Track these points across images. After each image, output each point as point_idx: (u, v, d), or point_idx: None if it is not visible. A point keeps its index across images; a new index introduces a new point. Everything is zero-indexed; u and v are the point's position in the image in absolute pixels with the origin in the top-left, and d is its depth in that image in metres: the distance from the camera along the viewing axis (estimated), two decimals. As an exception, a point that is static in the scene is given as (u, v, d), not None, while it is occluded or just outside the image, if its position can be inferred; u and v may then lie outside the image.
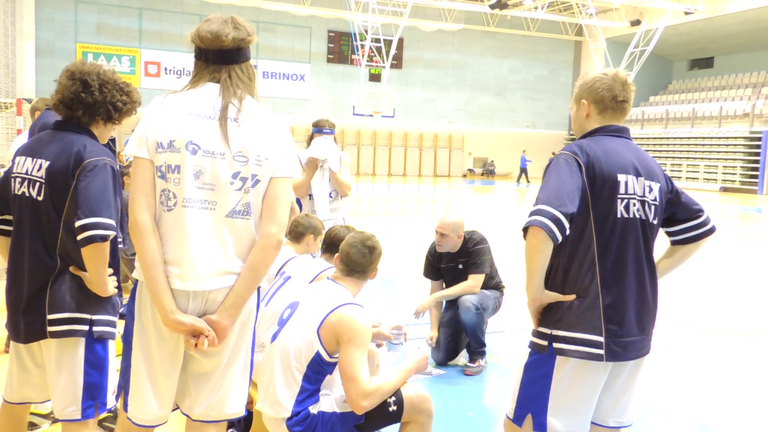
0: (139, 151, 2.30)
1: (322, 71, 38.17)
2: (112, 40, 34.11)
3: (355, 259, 3.16)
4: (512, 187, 33.19)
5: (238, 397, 2.44)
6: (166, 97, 2.38)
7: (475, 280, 4.98)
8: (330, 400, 2.99)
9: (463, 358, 5.20)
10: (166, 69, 34.77)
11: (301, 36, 37.44)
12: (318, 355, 2.94)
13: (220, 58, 2.36)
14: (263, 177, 2.32)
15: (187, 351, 2.37)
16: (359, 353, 2.89)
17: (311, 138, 6.12)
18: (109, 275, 2.68)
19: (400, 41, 37.17)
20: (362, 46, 34.50)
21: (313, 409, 2.94)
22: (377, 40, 34.05)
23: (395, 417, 3.00)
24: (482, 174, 41.68)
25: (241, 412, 2.47)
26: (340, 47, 38.29)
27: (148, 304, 2.35)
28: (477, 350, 4.99)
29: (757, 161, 31.00)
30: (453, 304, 5.16)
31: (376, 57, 35.32)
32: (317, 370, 2.96)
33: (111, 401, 2.78)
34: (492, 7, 32.86)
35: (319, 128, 6.05)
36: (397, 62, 38.23)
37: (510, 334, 6.01)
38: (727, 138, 32.64)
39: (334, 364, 2.99)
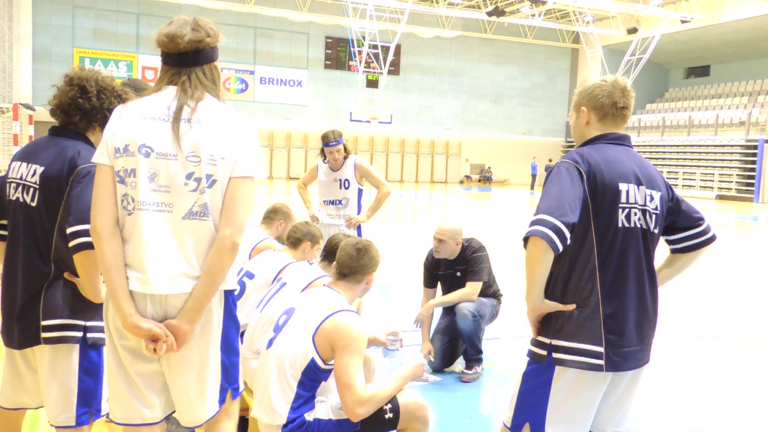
0: (100, 157, 2.32)
1: (319, 77, 38.22)
2: (110, 45, 34.13)
3: (343, 261, 3.16)
4: (509, 193, 33.22)
5: (211, 400, 2.40)
6: (127, 104, 2.39)
7: (472, 288, 4.97)
8: (326, 407, 2.98)
9: (459, 365, 5.18)
10: (163, 74, 34.78)
11: (299, 42, 37.50)
12: (313, 362, 2.92)
13: (177, 60, 2.35)
14: (220, 177, 2.29)
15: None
16: (354, 360, 2.88)
17: (322, 152, 6.33)
18: (103, 281, 2.67)
19: (398, 48, 37.29)
20: (360, 53, 34.60)
21: (309, 416, 2.93)
22: (375, 47, 34.14)
23: (391, 424, 2.98)
24: (479, 180, 41.73)
25: (217, 409, 2.42)
26: (338, 53, 38.35)
27: (111, 306, 2.35)
28: (473, 357, 4.97)
29: (753, 169, 31.08)
30: (450, 311, 5.15)
31: (374, 63, 35.41)
32: (312, 377, 2.95)
33: (105, 407, 2.76)
34: (489, 14, 32.98)
35: (326, 142, 6.22)
36: (395, 68, 38.28)
37: (506, 341, 6.00)
38: (723, 146, 32.74)
39: (329, 371, 2.97)
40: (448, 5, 35.73)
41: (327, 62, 38.35)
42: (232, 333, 2.44)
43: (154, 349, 2.27)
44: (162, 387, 2.41)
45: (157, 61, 33.95)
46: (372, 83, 37.47)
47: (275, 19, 35.45)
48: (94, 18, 33.84)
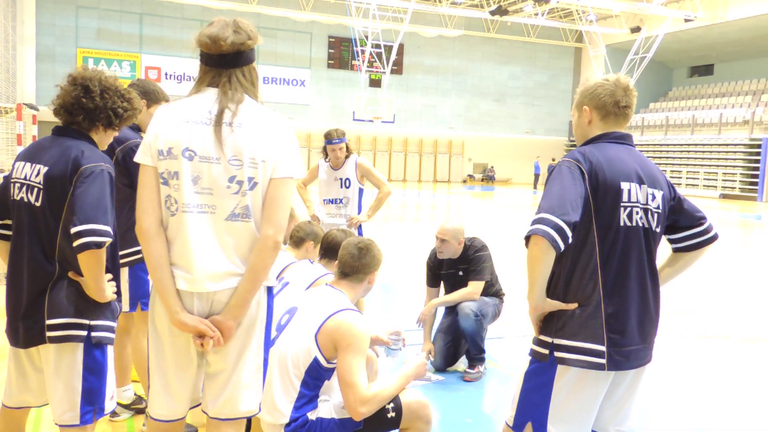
0: (144, 158, 2.37)
1: (322, 77, 38.23)
2: (113, 45, 34.16)
3: (346, 260, 3.17)
4: (512, 193, 33.20)
5: (251, 395, 2.47)
6: (169, 105, 2.44)
7: (474, 287, 4.98)
8: (329, 406, 2.99)
9: (462, 364, 5.19)
10: (166, 74, 34.81)
11: (302, 41, 37.51)
12: (316, 361, 2.93)
13: (219, 62, 2.39)
14: (261, 179, 2.34)
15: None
16: (357, 359, 2.89)
17: (324, 150, 6.35)
18: (109, 281, 2.69)
19: (401, 47, 37.26)
20: (362, 52, 34.57)
21: (312, 416, 2.94)
22: (377, 46, 34.11)
23: (394, 423, 2.99)
24: (482, 180, 41.71)
25: (255, 410, 2.49)
26: (341, 53, 38.35)
27: (159, 304, 2.42)
28: (476, 356, 4.98)
29: (756, 168, 31.02)
30: (452, 310, 5.15)
31: (377, 62, 35.38)
32: (315, 376, 2.95)
33: (109, 406, 2.78)
34: (492, 13, 32.94)
35: (329, 140, 6.24)
36: (398, 68, 38.28)
37: (509, 340, 6.00)
38: (727, 145, 32.68)
39: (332, 370, 2.98)
40: (451, 4, 35.71)
41: (330, 62, 38.36)
42: (267, 330, 2.50)
43: (202, 344, 2.34)
44: (193, 385, 2.49)
45: (160, 61, 34.32)
46: (375, 83, 37.48)
47: (278, 18, 35.47)
48: (98, 18, 33.88)
